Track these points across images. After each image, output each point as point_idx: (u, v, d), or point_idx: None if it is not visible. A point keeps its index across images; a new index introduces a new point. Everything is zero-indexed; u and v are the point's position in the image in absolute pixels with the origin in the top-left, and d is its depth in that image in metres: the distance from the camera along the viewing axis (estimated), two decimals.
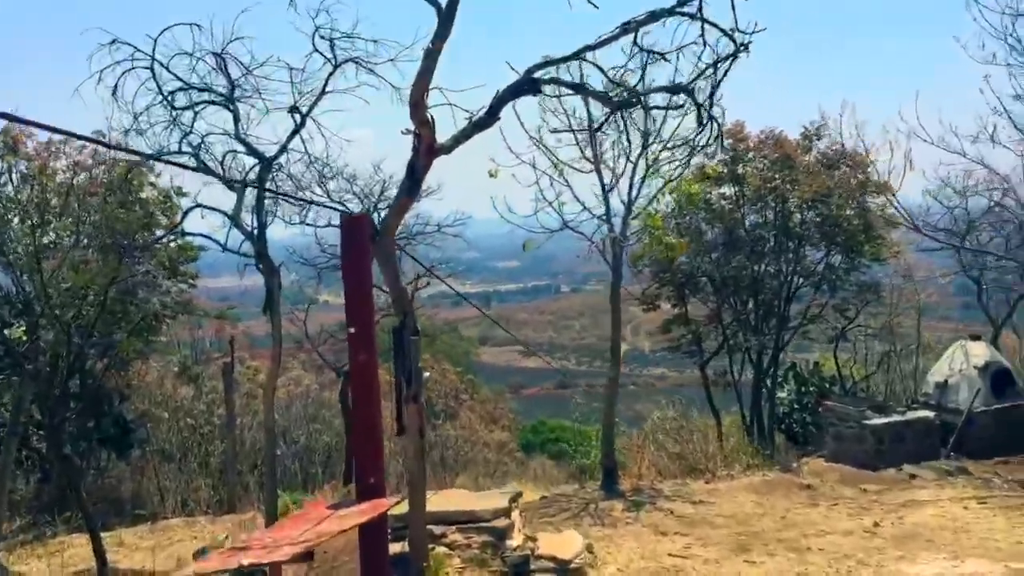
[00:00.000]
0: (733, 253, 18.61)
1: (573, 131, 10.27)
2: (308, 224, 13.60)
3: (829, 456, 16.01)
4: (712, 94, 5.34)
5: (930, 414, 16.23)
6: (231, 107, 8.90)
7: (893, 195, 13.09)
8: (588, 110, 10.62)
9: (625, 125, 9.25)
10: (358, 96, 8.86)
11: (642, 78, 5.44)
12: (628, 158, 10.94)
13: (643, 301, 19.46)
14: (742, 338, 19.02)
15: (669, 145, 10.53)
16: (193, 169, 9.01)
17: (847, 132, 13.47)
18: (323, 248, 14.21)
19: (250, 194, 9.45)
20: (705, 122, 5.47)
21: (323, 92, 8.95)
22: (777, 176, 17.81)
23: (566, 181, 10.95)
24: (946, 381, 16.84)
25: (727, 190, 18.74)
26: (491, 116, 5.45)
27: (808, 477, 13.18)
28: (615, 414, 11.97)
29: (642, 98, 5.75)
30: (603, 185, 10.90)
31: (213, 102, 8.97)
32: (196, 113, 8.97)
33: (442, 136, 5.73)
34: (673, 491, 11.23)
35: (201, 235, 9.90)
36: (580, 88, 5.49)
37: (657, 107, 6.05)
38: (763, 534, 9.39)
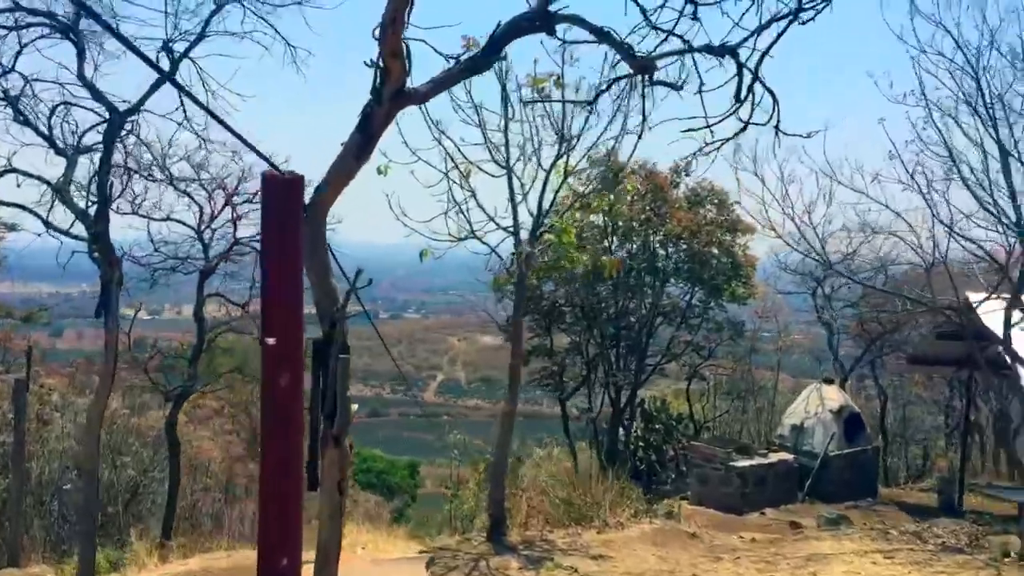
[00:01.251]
0: (598, 284, 17.90)
1: (573, 102, 8.71)
2: (141, 215, 11.32)
3: (693, 498, 15.47)
4: (760, 61, 4.21)
5: (789, 457, 16.14)
6: (74, 39, 6.75)
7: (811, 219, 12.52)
8: (506, 100, 9.32)
9: (641, 93, 7.93)
10: (256, 41, 7.01)
11: (671, 33, 4.19)
12: (540, 164, 9.75)
13: (504, 329, 18.33)
14: (602, 372, 18.35)
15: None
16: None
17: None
18: (157, 247, 11.93)
19: (83, 164, 7.29)
20: (745, 96, 4.31)
21: (202, 35, 7.05)
22: (649, 208, 17.33)
23: (470, 187, 9.57)
24: (802, 424, 16.87)
25: (595, 219, 18.04)
26: (489, 56, 4.03)
27: (686, 524, 12.40)
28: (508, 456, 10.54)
29: (656, 64, 4.51)
30: (512, 192, 9.62)
31: (52, 26, 6.73)
32: (22, 45, 6.71)
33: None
34: (567, 543, 10.00)
35: (17, 205, 7.48)
36: (604, 35, 4.17)
37: (663, 83, 4.83)
38: None
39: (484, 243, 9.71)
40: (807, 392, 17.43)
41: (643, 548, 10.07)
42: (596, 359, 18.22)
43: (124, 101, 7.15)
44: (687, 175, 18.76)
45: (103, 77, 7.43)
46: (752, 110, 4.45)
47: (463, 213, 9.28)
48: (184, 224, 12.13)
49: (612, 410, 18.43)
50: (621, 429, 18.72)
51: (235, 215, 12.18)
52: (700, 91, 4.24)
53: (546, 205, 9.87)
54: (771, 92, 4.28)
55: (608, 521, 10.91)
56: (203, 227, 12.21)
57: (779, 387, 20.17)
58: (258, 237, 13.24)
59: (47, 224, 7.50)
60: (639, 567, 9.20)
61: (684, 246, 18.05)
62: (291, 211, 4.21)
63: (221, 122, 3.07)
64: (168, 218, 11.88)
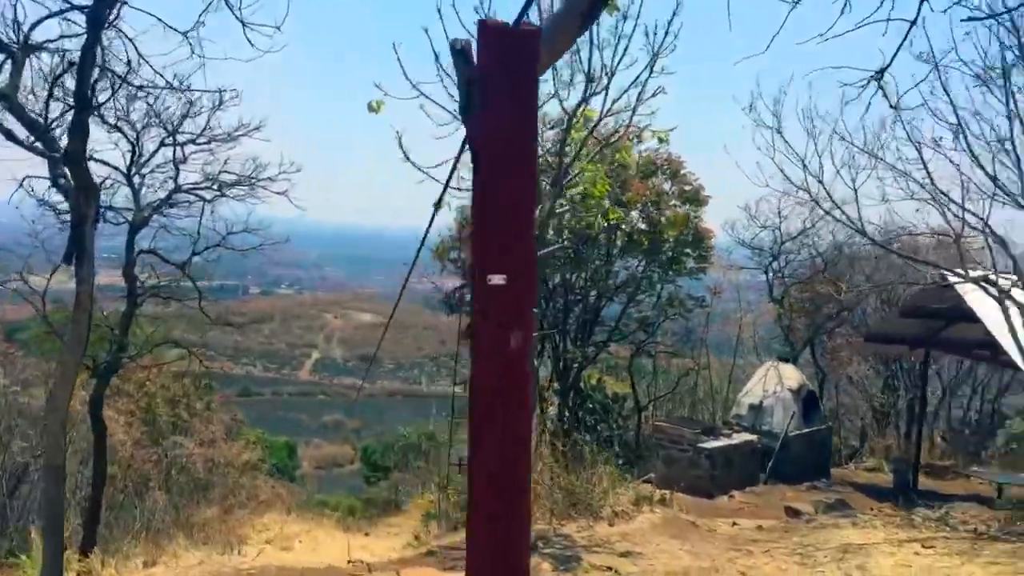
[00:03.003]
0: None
1: None
2: None
3: (658, 481, 14.70)
4: None
5: (753, 437, 15.66)
6: None
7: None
8: None
9: None
10: None
11: None
12: (562, 106, 8.46)
13: (449, 304, 16.94)
14: (550, 349, 17.31)
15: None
16: None
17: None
18: None
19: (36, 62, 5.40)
20: None
21: None
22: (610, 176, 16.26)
23: None
24: (761, 403, 16.45)
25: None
26: None
27: (678, 511, 11.56)
28: None
29: None
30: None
31: None
32: None
33: None
34: (584, 538, 8.88)
35: None
36: None
37: None
38: None
39: None
40: (763, 370, 17.02)
41: (664, 542, 9.09)
42: (545, 336, 17.11)
43: None
44: (640, 142, 17.87)
45: None
46: None
47: None
48: (109, 165, 10.02)
49: (560, 390, 17.43)
50: (566, 410, 17.76)
51: (179, 156, 10.16)
52: None
53: (569, 156, 8.60)
54: None
55: (615, 511, 9.82)
56: (134, 171, 10.15)
57: (717, 367, 19.70)
58: (202, 186, 11.24)
59: (5, 133, 5.51)
60: (676, 564, 8.18)
61: (639, 216, 17.16)
62: (523, 76, 2.77)
63: None
64: (91, 158, 9.73)
